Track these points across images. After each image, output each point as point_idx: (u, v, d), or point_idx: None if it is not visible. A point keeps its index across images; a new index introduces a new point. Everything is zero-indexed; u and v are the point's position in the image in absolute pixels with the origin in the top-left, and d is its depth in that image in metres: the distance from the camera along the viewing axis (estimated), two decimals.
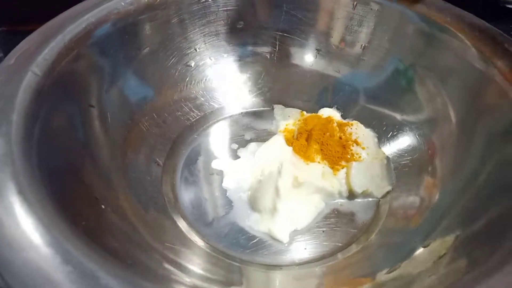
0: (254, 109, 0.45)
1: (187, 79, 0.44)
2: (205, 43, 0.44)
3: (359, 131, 0.41)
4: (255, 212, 0.35)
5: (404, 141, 0.40)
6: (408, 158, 0.39)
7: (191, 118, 0.43)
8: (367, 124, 0.42)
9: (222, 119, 0.44)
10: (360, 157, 0.39)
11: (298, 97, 0.46)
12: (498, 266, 0.22)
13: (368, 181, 0.37)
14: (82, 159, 0.30)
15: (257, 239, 0.34)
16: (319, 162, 0.38)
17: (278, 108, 0.45)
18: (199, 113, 0.44)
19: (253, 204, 0.36)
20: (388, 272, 0.29)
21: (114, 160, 0.35)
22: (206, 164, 0.40)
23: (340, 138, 0.40)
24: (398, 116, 0.41)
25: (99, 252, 0.22)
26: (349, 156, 0.38)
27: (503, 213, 0.28)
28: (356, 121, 0.42)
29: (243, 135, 0.43)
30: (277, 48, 0.46)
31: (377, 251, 0.34)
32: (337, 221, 0.36)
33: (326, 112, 0.43)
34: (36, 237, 0.21)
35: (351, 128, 0.41)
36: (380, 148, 0.41)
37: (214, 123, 0.44)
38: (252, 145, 0.41)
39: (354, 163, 0.37)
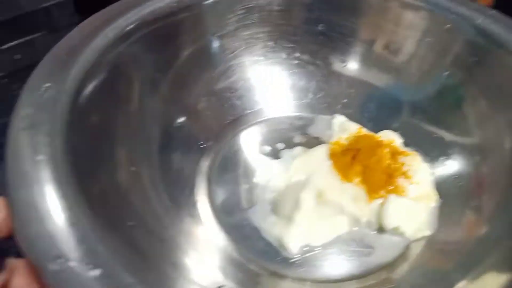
0: (311, 114, 0.44)
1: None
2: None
3: (414, 164, 0.37)
4: (274, 215, 0.35)
5: (451, 167, 0.37)
6: (453, 187, 0.36)
7: (248, 109, 0.44)
8: (411, 141, 0.40)
9: (279, 117, 0.44)
10: (403, 191, 0.36)
11: (338, 105, 0.44)
12: None
13: (402, 219, 0.34)
14: (125, 124, 0.33)
15: (267, 242, 0.34)
16: (356, 185, 0.36)
17: (338, 119, 0.43)
18: (258, 106, 0.44)
19: (275, 207, 0.35)
20: None
21: (160, 129, 0.37)
22: (247, 155, 0.40)
23: (389, 166, 0.37)
24: (446, 136, 0.38)
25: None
26: (391, 187, 0.36)
27: None
28: (415, 152, 0.38)
29: (293, 137, 0.42)
30: (318, 55, 0.44)
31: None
32: (355, 250, 0.34)
33: (386, 135, 0.41)
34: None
35: (405, 158, 0.38)
36: (433, 188, 0.37)
37: (270, 118, 0.44)
38: (298, 149, 0.40)
39: (392, 196, 0.34)
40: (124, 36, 0.34)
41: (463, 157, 0.37)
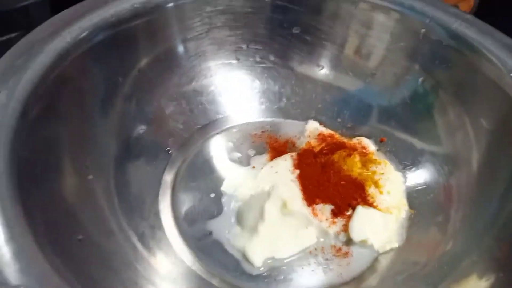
0: (285, 119, 0.43)
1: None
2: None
3: (386, 173, 0.36)
4: (238, 226, 0.34)
5: (421, 176, 0.37)
6: (423, 198, 0.36)
7: (219, 115, 0.43)
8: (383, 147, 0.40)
9: (252, 122, 0.43)
10: (374, 201, 0.35)
11: (312, 110, 0.43)
12: None
13: (370, 231, 0.33)
14: (77, 135, 0.31)
15: (230, 254, 0.32)
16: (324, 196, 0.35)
17: (311, 124, 0.42)
18: (230, 111, 0.43)
19: (239, 217, 0.34)
20: None
21: (118, 139, 0.35)
22: (215, 163, 0.39)
23: (360, 175, 0.36)
24: (417, 144, 0.38)
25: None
26: (360, 198, 0.34)
27: None
28: (386, 161, 0.37)
29: (265, 143, 0.41)
30: (293, 58, 0.43)
31: None
32: (321, 262, 0.32)
33: (360, 142, 0.40)
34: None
35: (376, 167, 0.37)
36: (404, 198, 0.36)
37: (243, 124, 0.43)
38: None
39: (359, 208, 0.33)
40: (84, 39, 0.33)
41: (434, 166, 0.36)
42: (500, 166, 0.30)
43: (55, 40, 0.31)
